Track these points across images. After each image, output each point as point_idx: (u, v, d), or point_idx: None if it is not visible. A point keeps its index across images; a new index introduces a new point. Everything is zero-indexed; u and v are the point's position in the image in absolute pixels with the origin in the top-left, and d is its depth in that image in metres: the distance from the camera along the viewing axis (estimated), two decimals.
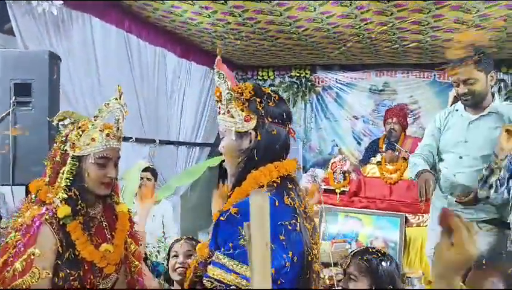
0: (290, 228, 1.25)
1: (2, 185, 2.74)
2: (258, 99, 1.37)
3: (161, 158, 5.06)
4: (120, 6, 4.23)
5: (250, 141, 1.37)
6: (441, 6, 3.94)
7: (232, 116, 1.37)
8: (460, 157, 2.69)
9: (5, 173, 2.66)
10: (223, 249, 1.23)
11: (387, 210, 3.84)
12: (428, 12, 4.10)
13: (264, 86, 7.11)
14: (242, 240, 1.19)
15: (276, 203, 1.26)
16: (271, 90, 1.43)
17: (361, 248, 2.15)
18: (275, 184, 1.32)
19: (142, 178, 4.05)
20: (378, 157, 4.21)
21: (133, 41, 4.57)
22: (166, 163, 5.19)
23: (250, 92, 1.38)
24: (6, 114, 2.63)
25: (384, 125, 4.50)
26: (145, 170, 4.12)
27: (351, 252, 2.16)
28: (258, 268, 0.66)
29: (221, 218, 1.27)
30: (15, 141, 2.65)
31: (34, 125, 2.67)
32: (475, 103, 2.63)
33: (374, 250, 2.05)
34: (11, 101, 2.61)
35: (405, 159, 4.08)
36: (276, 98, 1.41)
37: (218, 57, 1.47)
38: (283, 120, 1.39)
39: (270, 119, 1.37)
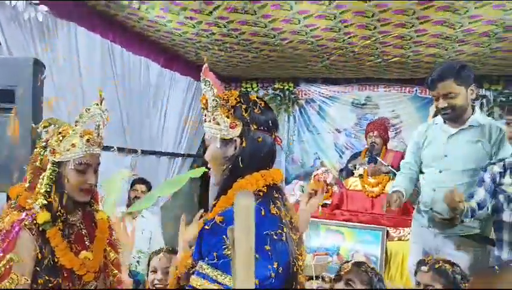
0: (275, 237, 1.23)
1: None
2: (244, 106, 1.36)
3: (143, 168, 5.01)
4: (105, 15, 4.22)
5: (235, 148, 1.35)
6: (424, 21, 4.01)
7: (218, 124, 1.36)
8: (440, 172, 2.69)
9: None
10: (206, 259, 1.21)
11: (369, 223, 3.85)
12: (411, 27, 4.18)
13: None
14: (227, 249, 1.17)
15: (262, 213, 1.25)
16: (257, 98, 1.42)
17: (354, 257, 2.24)
18: (261, 193, 1.30)
19: (137, 190, 4.05)
20: (361, 170, 4.24)
21: (117, 50, 4.55)
22: (148, 173, 5.14)
23: (236, 99, 1.38)
24: None
25: (365, 139, 4.55)
26: (141, 182, 4.12)
27: (350, 261, 2.23)
28: (241, 272, 0.65)
29: (206, 227, 1.25)
30: None
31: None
32: (455, 116, 2.62)
33: (372, 267, 2.16)
34: None
35: (387, 173, 4.13)
36: (262, 104, 1.40)
37: (205, 65, 1.47)
38: (269, 127, 1.38)
39: (255, 126, 1.36)
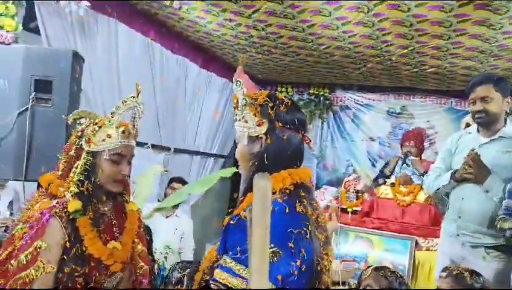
0: (299, 235, 1.23)
1: (15, 180, 2.75)
2: (270, 104, 1.38)
3: (175, 166, 5.07)
4: (146, 13, 4.30)
5: (261, 146, 1.37)
6: (461, 34, 3.95)
7: (246, 122, 1.39)
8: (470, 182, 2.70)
9: (19, 169, 2.67)
10: (230, 253, 1.23)
11: (398, 232, 3.79)
12: (448, 39, 4.09)
13: None
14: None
15: (287, 210, 1.25)
16: (285, 97, 1.44)
17: (382, 265, 2.19)
18: (287, 191, 1.31)
19: (174, 188, 4.10)
20: (393, 179, 4.16)
21: (156, 48, 4.62)
22: (180, 172, 5.19)
23: (263, 98, 1.40)
24: (24, 109, 2.64)
25: (401, 148, 4.47)
26: (178, 181, 4.16)
27: (368, 267, 2.19)
28: (257, 252, 0.64)
29: (231, 222, 1.27)
30: (31, 137, 2.66)
31: (52, 123, 2.67)
32: (488, 122, 2.67)
33: (393, 270, 2.12)
34: (30, 97, 2.62)
35: (421, 174, 4.03)
36: (289, 103, 1.41)
37: (240, 67, 1.51)
38: (295, 126, 1.39)
39: (281, 124, 1.37)
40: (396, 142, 6.15)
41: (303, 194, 1.33)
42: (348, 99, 6.65)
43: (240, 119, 1.41)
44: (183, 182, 4.22)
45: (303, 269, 1.22)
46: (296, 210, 1.27)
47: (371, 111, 6.55)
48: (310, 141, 1.47)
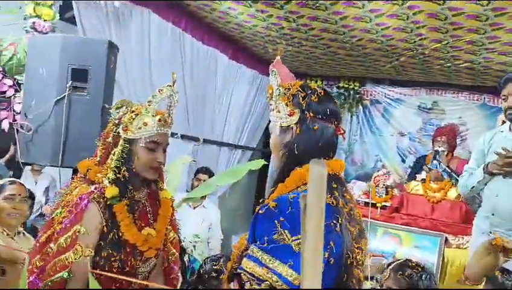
0: (328, 228, 1.21)
1: (51, 166, 2.82)
2: (302, 94, 1.36)
3: (204, 157, 5.11)
4: (178, 4, 4.33)
5: (292, 135, 1.36)
6: (496, 28, 3.83)
7: (279, 112, 1.38)
8: (504, 177, 2.67)
9: (55, 155, 2.75)
10: (258, 243, 1.22)
11: (427, 229, 3.73)
12: (483, 33, 3.98)
13: None
14: (277, 234, 1.18)
15: None
16: (319, 87, 1.42)
17: (400, 260, 2.08)
18: None
19: (200, 179, 4.14)
20: (423, 174, 4.09)
21: (187, 39, 4.66)
22: (208, 162, 5.24)
23: (296, 88, 1.38)
24: (61, 97, 2.70)
25: (432, 143, 4.38)
26: (205, 172, 4.19)
27: (389, 263, 2.10)
28: (311, 237, 0.64)
29: (260, 211, 1.26)
30: (67, 125, 2.73)
31: (87, 111, 2.73)
32: None
33: (413, 264, 1.98)
34: (67, 86, 2.67)
35: (450, 178, 3.96)
36: (322, 93, 1.38)
37: (278, 57, 1.49)
38: (327, 116, 1.36)
39: (312, 114, 1.34)
40: (426, 137, 6.03)
41: (335, 185, 1.31)
42: (379, 93, 6.55)
43: (273, 109, 1.41)
44: (210, 173, 4.25)
45: (331, 262, 1.20)
46: (326, 202, 1.24)
47: (401, 106, 6.43)
48: (344, 132, 1.44)
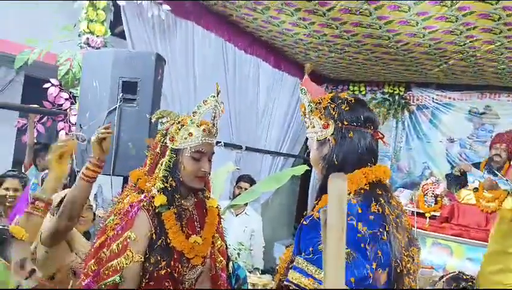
0: (375, 237, 1.20)
1: (103, 174, 2.93)
2: (333, 105, 1.38)
3: (246, 165, 5.15)
4: (221, 15, 4.41)
5: (330, 147, 1.36)
6: None
7: (314, 127, 1.40)
8: None
9: (107, 164, 2.85)
10: (303, 254, 1.23)
11: (481, 241, 3.56)
12: None
13: None
14: (322, 245, 1.18)
15: (359, 210, 1.23)
16: (349, 95, 1.43)
17: (453, 273, 2.01)
18: (362, 191, 1.28)
19: (241, 187, 4.18)
20: (476, 183, 3.92)
21: (230, 49, 4.73)
22: (251, 170, 5.28)
23: (326, 100, 1.40)
24: (113, 109, 2.82)
25: (490, 149, 4.19)
26: (246, 180, 4.22)
27: (441, 276, 2.03)
28: (332, 253, 0.64)
29: (305, 223, 1.27)
30: (118, 135, 2.83)
31: (136, 122, 2.82)
32: None
33: (467, 277, 1.92)
34: (119, 97, 2.78)
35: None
36: (352, 101, 1.39)
37: (306, 76, 1.51)
38: (361, 123, 1.36)
39: (346, 123, 1.35)
40: (478, 144, 5.81)
41: (380, 192, 1.30)
42: (426, 98, 6.37)
43: (308, 126, 1.43)
44: (251, 181, 4.26)
45: (379, 272, 1.19)
46: (371, 210, 1.24)
47: (450, 110, 6.23)
48: (383, 136, 1.43)
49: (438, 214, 3.74)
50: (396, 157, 6.50)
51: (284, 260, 1.39)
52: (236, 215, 4.19)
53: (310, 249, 1.21)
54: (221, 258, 1.85)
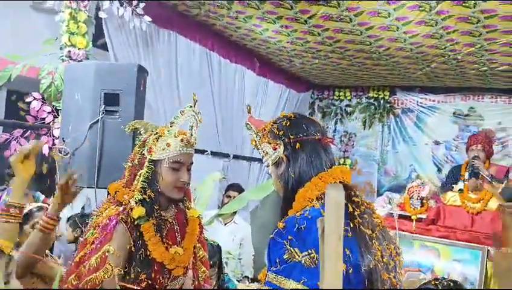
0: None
1: (88, 187, 2.92)
2: (275, 126, 1.43)
3: (234, 173, 5.15)
4: (204, 24, 4.43)
5: (284, 165, 1.40)
6: None
7: (267, 153, 1.44)
8: None
9: (91, 177, 2.84)
10: (272, 267, 1.24)
11: (467, 242, 3.58)
12: None
13: (339, 107, 6.99)
14: (287, 254, 1.21)
15: (323, 213, 1.19)
16: (288, 113, 1.48)
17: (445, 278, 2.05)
18: (323, 195, 1.29)
19: (230, 196, 4.16)
20: (461, 185, 3.95)
21: (215, 58, 4.75)
22: (239, 178, 5.28)
23: (269, 124, 1.46)
24: (95, 121, 2.81)
25: (467, 152, 4.23)
26: (235, 189, 4.20)
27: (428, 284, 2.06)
28: (330, 262, 0.65)
29: (271, 236, 1.29)
30: (102, 148, 2.82)
31: (120, 134, 2.80)
32: None
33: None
34: (101, 110, 2.77)
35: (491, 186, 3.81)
36: (292, 116, 1.45)
37: (249, 115, 1.56)
38: (305, 132, 1.40)
39: (292, 137, 1.39)
40: (464, 145, 5.84)
41: None
42: (410, 101, 6.44)
43: (263, 156, 1.46)
44: (240, 189, 4.26)
45: (350, 271, 1.18)
46: None
47: (435, 113, 6.30)
48: (333, 139, 1.50)
49: (424, 216, 3.76)
50: (383, 161, 6.55)
51: (261, 277, 1.39)
52: (225, 224, 4.18)
53: (277, 260, 1.22)
54: (204, 268, 1.85)
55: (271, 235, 1.29)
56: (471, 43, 4.21)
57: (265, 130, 1.45)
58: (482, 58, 4.63)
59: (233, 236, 4.07)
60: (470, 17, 3.64)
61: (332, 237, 0.65)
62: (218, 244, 2.89)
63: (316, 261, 1.16)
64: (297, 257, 1.19)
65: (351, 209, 1.28)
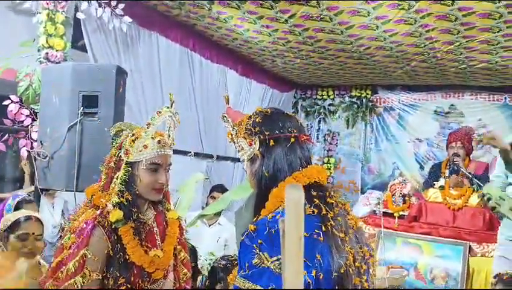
0: (311, 239, 1.17)
1: (66, 190, 2.87)
2: (251, 122, 1.39)
3: (218, 174, 5.13)
4: (185, 25, 4.40)
5: (259, 162, 1.36)
6: (511, 25, 3.74)
7: (242, 148, 1.41)
8: None
9: (70, 180, 2.79)
10: (241, 271, 1.20)
11: (449, 238, 3.62)
12: (498, 31, 3.91)
13: (323, 106, 7.02)
14: (256, 258, 1.17)
15: None
16: (265, 108, 1.44)
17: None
18: None
19: (214, 197, 4.12)
20: (442, 181, 3.99)
21: (196, 59, 4.73)
22: (223, 179, 5.26)
23: (245, 120, 1.41)
24: (74, 124, 2.77)
25: (447, 149, 4.28)
26: (219, 190, 4.16)
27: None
28: (291, 263, 0.64)
29: (242, 238, 1.25)
30: (80, 150, 2.78)
31: (99, 136, 2.77)
32: None
33: None
34: (79, 112, 2.73)
35: (471, 184, 3.86)
36: (268, 112, 1.40)
37: (227, 106, 1.54)
38: (281, 130, 1.36)
39: (267, 134, 1.35)
40: (445, 142, 5.94)
41: (314, 193, 1.27)
42: (392, 100, 6.50)
43: (239, 151, 1.43)
44: (224, 190, 4.22)
45: (320, 277, 1.15)
46: (306, 213, 1.21)
47: (417, 111, 6.37)
48: (308, 137, 1.43)
49: (406, 213, 3.79)
50: (367, 159, 6.60)
51: (232, 279, 1.34)
52: (209, 225, 4.15)
53: (246, 264, 1.18)
54: (186, 270, 1.83)
55: (242, 238, 1.24)
56: (450, 41, 4.26)
57: (241, 124, 1.42)
58: (461, 56, 4.69)
59: (217, 237, 4.05)
60: (448, 15, 3.68)
61: (293, 238, 0.64)
62: (193, 246, 2.86)
63: None
64: (266, 262, 1.15)
65: (324, 212, 1.24)
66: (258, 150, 1.36)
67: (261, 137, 1.36)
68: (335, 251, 1.20)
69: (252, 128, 1.38)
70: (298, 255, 0.64)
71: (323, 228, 1.21)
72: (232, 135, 1.45)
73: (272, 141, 1.35)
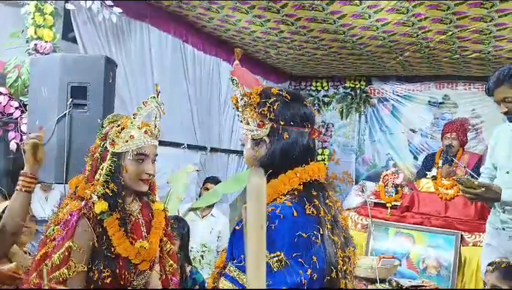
0: (309, 241, 1.15)
1: (56, 183, 2.85)
2: (268, 103, 1.27)
3: (212, 166, 5.12)
4: (177, 15, 4.36)
5: (265, 149, 1.28)
6: (504, 14, 3.74)
7: (248, 123, 1.30)
8: (507, 173, 2.59)
9: (60, 172, 2.77)
10: (235, 261, 1.17)
11: (441, 227, 3.63)
12: (490, 21, 3.90)
13: (317, 97, 7.01)
14: None
15: (295, 214, 1.17)
16: (281, 90, 1.32)
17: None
18: (296, 192, 1.22)
19: (208, 189, 4.11)
20: (434, 171, 3.99)
21: (189, 50, 4.69)
22: (217, 171, 5.24)
23: (258, 95, 1.30)
24: (62, 115, 2.74)
25: (441, 140, 4.28)
26: (213, 182, 4.14)
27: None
28: (252, 250, 0.62)
29: (237, 227, 1.20)
30: (70, 142, 2.75)
31: (88, 127, 2.74)
32: None
33: None
34: (68, 103, 2.70)
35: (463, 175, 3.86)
36: (288, 97, 1.29)
37: (236, 61, 1.41)
38: (298, 122, 1.28)
39: (282, 123, 1.26)
40: (439, 133, 5.93)
41: (315, 193, 1.23)
42: (386, 91, 6.50)
43: (242, 121, 1.33)
44: (217, 182, 4.21)
45: (314, 277, 1.13)
46: (306, 213, 1.18)
47: (410, 102, 6.37)
48: (320, 134, 1.36)
49: (398, 203, 3.79)
50: (361, 150, 6.60)
51: (217, 265, 1.32)
52: (203, 217, 4.14)
53: (242, 256, 1.14)
54: (172, 262, 1.82)
55: (237, 227, 1.19)
56: (443, 31, 4.25)
57: (253, 98, 1.29)
58: (454, 45, 4.68)
59: (210, 229, 4.04)
60: (440, 4, 3.66)
61: (254, 226, 0.63)
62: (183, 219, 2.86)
63: (284, 265, 1.11)
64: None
65: (322, 214, 1.21)
66: (268, 135, 1.27)
67: (274, 125, 1.27)
68: (329, 256, 1.18)
69: (267, 111, 1.27)
70: (260, 244, 0.62)
71: (321, 231, 1.18)
72: (237, 101, 1.33)
73: (286, 131, 1.26)
